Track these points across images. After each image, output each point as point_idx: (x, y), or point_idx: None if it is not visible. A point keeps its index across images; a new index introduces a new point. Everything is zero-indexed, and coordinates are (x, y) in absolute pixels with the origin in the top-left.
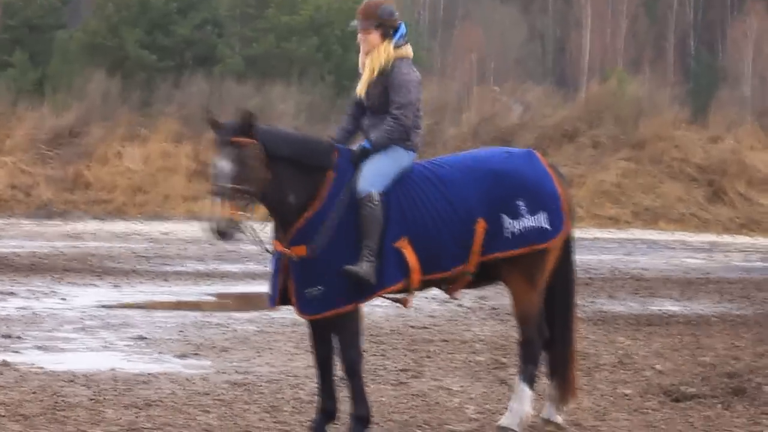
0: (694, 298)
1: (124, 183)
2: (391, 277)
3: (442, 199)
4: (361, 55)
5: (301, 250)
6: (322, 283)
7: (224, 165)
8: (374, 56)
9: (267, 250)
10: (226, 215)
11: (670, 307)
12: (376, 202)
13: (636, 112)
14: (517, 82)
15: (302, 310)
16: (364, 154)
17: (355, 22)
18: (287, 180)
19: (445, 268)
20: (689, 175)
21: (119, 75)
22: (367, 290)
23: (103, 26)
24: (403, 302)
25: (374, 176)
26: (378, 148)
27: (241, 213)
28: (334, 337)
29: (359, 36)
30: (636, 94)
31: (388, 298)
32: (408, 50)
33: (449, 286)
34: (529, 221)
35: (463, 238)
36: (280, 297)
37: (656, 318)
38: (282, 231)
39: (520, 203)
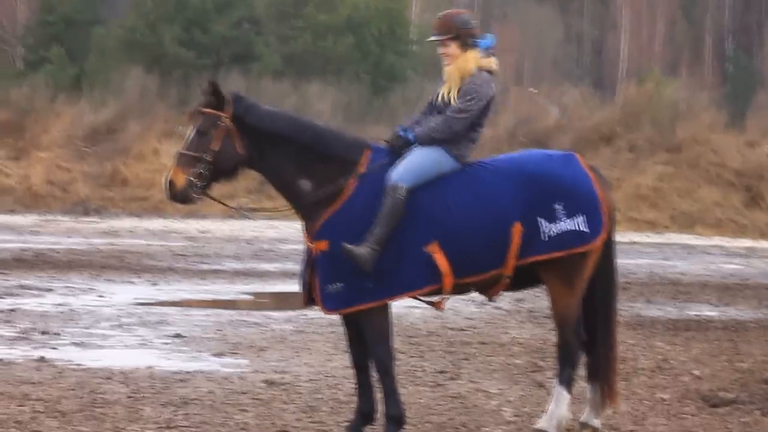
0: (731, 303)
1: (161, 180)
2: (419, 281)
3: (476, 202)
4: (445, 67)
5: (323, 245)
6: (343, 279)
7: (186, 132)
8: (459, 65)
9: (234, 209)
10: (169, 178)
11: (708, 312)
12: (401, 196)
13: (673, 115)
14: (554, 84)
15: (324, 306)
16: (406, 144)
17: (432, 37)
18: (292, 161)
19: (478, 272)
20: (726, 180)
21: (157, 72)
22: (386, 291)
23: (140, 23)
24: (437, 305)
25: (408, 171)
26: (420, 142)
27: (190, 177)
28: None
29: (439, 49)
30: (673, 97)
31: (422, 301)
32: (490, 62)
33: (487, 289)
34: (566, 224)
35: (498, 241)
36: (307, 294)
37: (694, 323)
38: (307, 224)
39: (558, 206)
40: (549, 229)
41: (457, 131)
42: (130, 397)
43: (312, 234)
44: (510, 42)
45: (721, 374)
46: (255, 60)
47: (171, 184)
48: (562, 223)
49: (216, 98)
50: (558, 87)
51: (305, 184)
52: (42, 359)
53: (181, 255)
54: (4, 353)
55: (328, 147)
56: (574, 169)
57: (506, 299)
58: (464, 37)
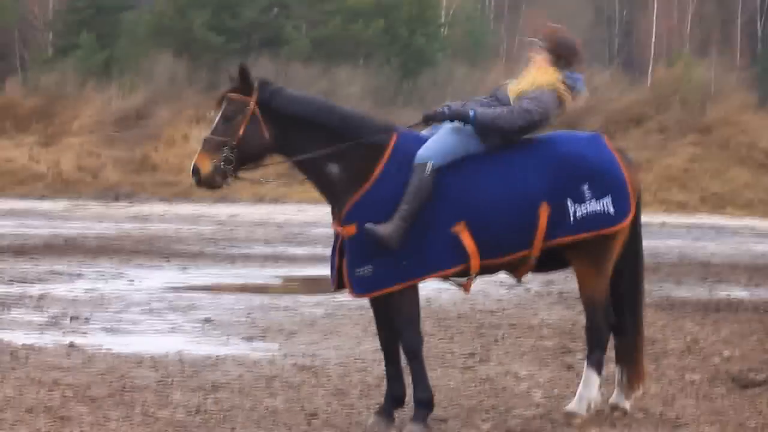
0: (762, 284)
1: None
2: (447, 261)
3: (502, 183)
4: (527, 68)
5: (351, 229)
6: (373, 263)
7: (214, 117)
8: (539, 73)
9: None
10: (195, 163)
11: (738, 293)
12: (428, 173)
13: (703, 96)
14: (584, 66)
15: (354, 290)
16: (462, 117)
17: (533, 39)
18: (320, 145)
19: (505, 253)
20: (757, 161)
21: (186, 57)
22: (415, 271)
23: (170, 8)
24: (465, 286)
25: (437, 149)
26: (480, 123)
27: (216, 163)
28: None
29: (532, 52)
30: (703, 78)
31: (450, 281)
32: (567, 93)
33: (514, 270)
34: (594, 206)
35: (526, 223)
36: (337, 278)
37: (724, 304)
38: (336, 208)
39: (585, 187)
40: (576, 210)
41: (517, 127)
42: (159, 382)
43: (340, 218)
44: (540, 24)
45: (751, 355)
46: (284, 44)
47: (196, 169)
48: (590, 204)
49: (243, 83)
50: (588, 69)
51: (333, 168)
52: (72, 345)
53: (210, 239)
54: (34, 339)
55: (355, 130)
56: (600, 150)
57: (536, 281)
58: (557, 57)
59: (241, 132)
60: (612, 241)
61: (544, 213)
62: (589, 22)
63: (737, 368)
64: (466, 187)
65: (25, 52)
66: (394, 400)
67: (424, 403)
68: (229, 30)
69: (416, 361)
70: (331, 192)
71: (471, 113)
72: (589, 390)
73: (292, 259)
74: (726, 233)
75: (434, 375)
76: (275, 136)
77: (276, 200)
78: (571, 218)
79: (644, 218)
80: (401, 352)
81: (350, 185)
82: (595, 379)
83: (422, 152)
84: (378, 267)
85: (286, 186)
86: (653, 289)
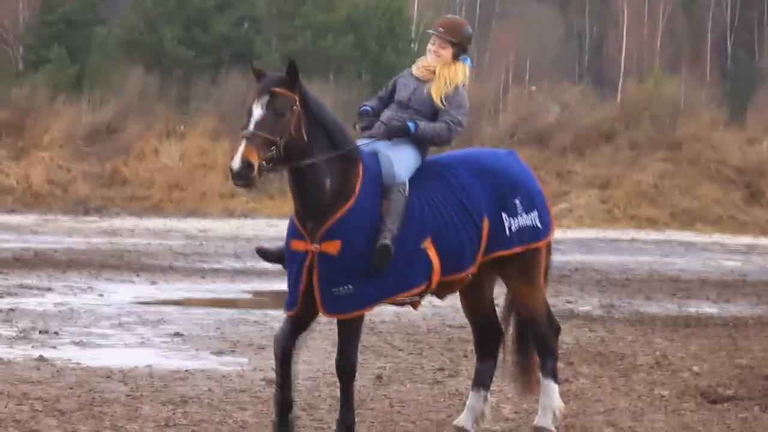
0: (731, 300)
1: (161, 180)
2: (419, 278)
3: (455, 200)
4: (423, 61)
5: (334, 246)
6: (353, 282)
7: (258, 111)
8: (451, 70)
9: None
10: (245, 158)
11: (708, 309)
12: (406, 192)
13: (673, 112)
14: (554, 82)
15: (329, 310)
16: (402, 132)
17: (434, 31)
18: (327, 160)
19: (461, 270)
20: (726, 177)
21: (157, 71)
22: (393, 289)
23: (140, 22)
24: (414, 305)
25: (405, 166)
26: (420, 136)
27: (262, 162)
28: (304, 338)
29: (432, 45)
30: (673, 94)
31: (395, 303)
32: (467, 79)
33: (450, 288)
34: (525, 220)
35: (475, 237)
36: (301, 300)
37: (693, 320)
38: (311, 224)
39: (516, 201)
40: (512, 224)
41: (451, 140)
42: (129, 395)
43: (318, 235)
44: (510, 40)
45: (720, 370)
46: (255, 59)
47: (248, 163)
48: (521, 218)
49: (291, 79)
50: (558, 85)
51: (327, 183)
52: (41, 358)
53: (180, 254)
54: (3, 352)
55: (345, 142)
56: (520, 165)
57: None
58: (461, 49)
59: (292, 131)
60: (539, 254)
61: (485, 227)
62: (559, 37)
63: (706, 383)
64: (427, 203)
65: None
66: (288, 407)
67: (349, 428)
68: (199, 44)
69: (351, 384)
70: (316, 206)
71: (411, 127)
72: (550, 400)
73: (262, 274)
74: (695, 249)
75: (403, 389)
76: (309, 140)
77: (246, 215)
78: (507, 232)
79: (614, 234)
80: (338, 372)
81: (336, 200)
82: (553, 387)
83: (400, 172)
84: (359, 285)
85: (255, 201)
86: (623, 304)
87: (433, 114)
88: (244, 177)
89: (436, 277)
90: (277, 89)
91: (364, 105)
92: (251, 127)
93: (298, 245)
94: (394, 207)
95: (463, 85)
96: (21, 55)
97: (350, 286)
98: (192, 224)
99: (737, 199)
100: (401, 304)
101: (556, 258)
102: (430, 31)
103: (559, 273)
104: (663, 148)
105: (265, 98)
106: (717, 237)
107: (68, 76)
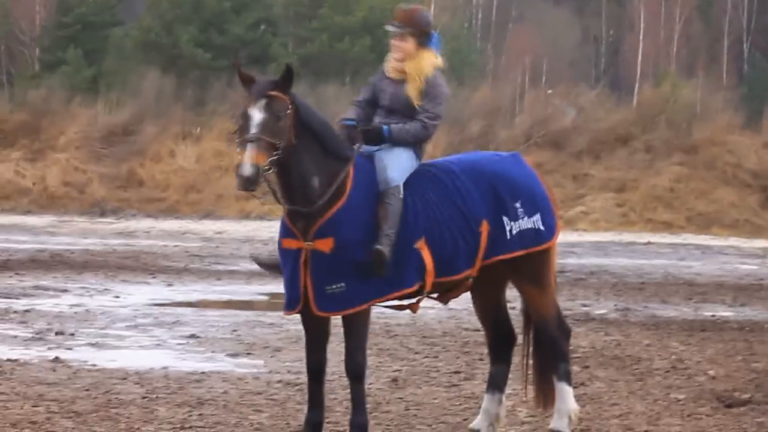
0: (747, 303)
1: (178, 181)
2: (411, 279)
3: (449, 201)
4: (391, 59)
5: (327, 244)
6: (345, 279)
7: (258, 115)
8: (418, 64)
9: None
10: (253, 160)
11: (723, 312)
12: (401, 195)
13: (689, 116)
14: (570, 85)
15: (321, 308)
16: (378, 137)
17: (390, 27)
18: (312, 159)
19: (456, 272)
20: (743, 181)
21: (173, 73)
22: (385, 289)
23: (157, 24)
24: (412, 308)
25: (399, 169)
26: (395, 139)
27: (265, 165)
28: (327, 343)
29: (392, 41)
30: (689, 98)
31: (392, 307)
32: (440, 61)
33: (453, 291)
34: (526, 223)
35: (472, 241)
36: (303, 298)
37: (709, 323)
38: (302, 223)
39: (518, 205)
40: (513, 227)
41: (431, 135)
42: (144, 397)
43: (310, 233)
44: (527, 43)
45: (736, 374)
46: (271, 61)
47: (257, 168)
48: (522, 221)
49: (286, 83)
50: (574, 88)
51: (315, 182)
52: (57, 360)
53: (196, 256)
54: (19, 353)
55: (333, 144)
56: (524, 168)
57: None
58: (423, 36)
59: (291, 135)
60: (547, 257)
61: (484, 231)
62: (575, 41)
63: (722, 387)
64: (421, 204)
65: (12, 67)
66: (314, 426)
67: (361, 428)
68: (216, 47)
69: (360, 385)
70: (305, 205)
71: (385, 130)
72: (565, 403)
73: (278, 276)
74: (711, 253)
75: (419, 392)
76: (296, 142)
77: (262, 217)
78: (508, 236)
79: (630, 237)
80: (346, 374)
81: (327, 199)
82: (567, 390)
83: (393, 175)
84: (352, 284)
85: (271, 203)
86: (639, 307)
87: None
88: (254, 182)
89: (429, 278)
90: (273, 93)
91: (345, 119)
92: (254, 130)
93: (291, 243)
94: (390, 212)
95: (437, 69)
96: (37, 56)
97: (342, 285)
98: (208, 226)
99: (753, 202)
100: (399, 307)
101: (572, 261)
102: (387, 27)
103: (575, 276)
104: (679, 151)
105: (263, 102)
106: (733, 240)
107: (84, 78)
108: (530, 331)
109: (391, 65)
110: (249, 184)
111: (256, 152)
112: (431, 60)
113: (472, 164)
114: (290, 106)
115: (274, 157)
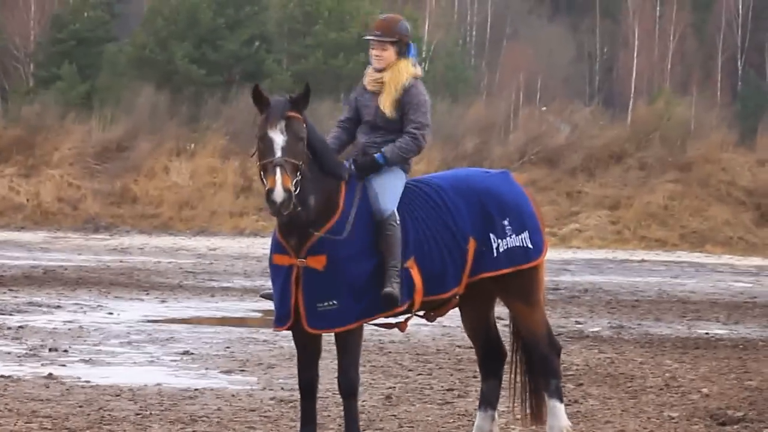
0: (741, 321)
1: (171, 198)
2: (401, 297)
3: (439, 219)
4: (370, 70)
5: (320, 261)
6: (338, 297)
7: (280, 137)
8: (395, 74)
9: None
10: (283, 185)
11: (717, 330)
12: (398, 222)
13: (683, 133)
14: (565, 102)
15: (312, 326)
16: (373, 168)
17: (371, 36)
18: (311, 177)
19: (444, 290)
20: (737, 199)
21: (167, 89)
22: (376, 308)
23: (151, 40)
24: (401, 327)
25: (392, 195)
26: (391, 163)
27: (294, 187)
28: (319, 360)
29: (372, 51)
30: (683, 115)
31: (380, 325)
32: (418, 70)
33: (439, 309)
34: (514, 241)
35: (459, 258)
36: (294, 314)
37: (703, 341)
38: (295, 240)
39: (506, 222)
40: (500, 245)
41: (423, 146)
42: (138, 414)
43: (302, 250)
44: (521, 60)
45: (729, 392)
46: (266, 78)
47: (289, 193)
48: (510, 239)
49: (303, 103)
50: (569, 105)
51: (311, 200)
52: (50, 376)
53: (190, 272)
54: (12, 370)
55: (329, 162)
56: (512, 186)
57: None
58: (402, 45)
59: (308, 155)
60: (535, 274)
61: (471, 248)
62: (570, 58)
63: (716, 405)
64: (412, 223)
65: (6, 83)
66: None
67: None
68: (210, 63)
69: (353, 402)
70: (300, 222)
71: (379, 159)
72: (557, 419)
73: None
74: (705, 270)
75: (412, 409)
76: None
77: (256, 233)
78: (494, 253)
79: (624, 255)
80: (339, 391)
81: (320, 217)
82: (559, 407)
83: (387, 205)
84: (343, 302)
85: (265, 220)
86: (632, 325)
87: (401, 123)
88: (287, 207)
89: (418, 297)
90: (291, 113)
91: (331, 139)
92: (279, 153)
93: (282, 260)
94: (390, 243)
95: (415, 78)
96: (32, 72)
97: (334, 302)
98: (201, 243)
99: (747, 220)
100: (387, 326)
101: (566, 278)
102: (367, 37)
103: (569, 294)
104: (673, 169)
105: (282, 123)
106: (727, 258)
107: (79, 94)
108: (519, 348)
109: (369, 77)
110: (284, 209)
111: (284, 176)
112: (409, 69)
113: (461, 181)
114: (305, 126)
115: (298, 178)
